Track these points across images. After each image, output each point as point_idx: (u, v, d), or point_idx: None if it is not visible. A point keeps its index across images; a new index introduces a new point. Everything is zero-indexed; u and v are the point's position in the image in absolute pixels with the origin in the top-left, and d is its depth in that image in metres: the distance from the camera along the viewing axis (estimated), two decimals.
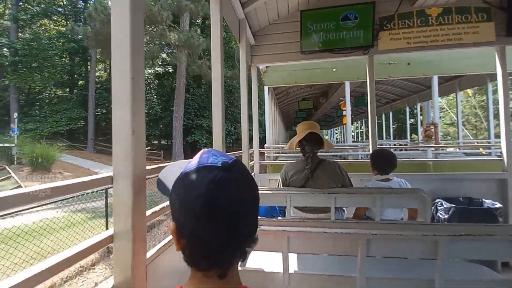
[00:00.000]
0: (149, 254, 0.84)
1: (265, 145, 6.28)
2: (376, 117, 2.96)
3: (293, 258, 1.44)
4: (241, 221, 0.45)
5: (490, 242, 0.98)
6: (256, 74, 3.32)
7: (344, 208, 2.02)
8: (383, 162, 2.00)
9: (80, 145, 20.52)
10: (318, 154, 1.90)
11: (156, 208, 0.95)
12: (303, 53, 2.83)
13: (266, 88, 6.03)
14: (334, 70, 5.15)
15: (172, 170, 0.55)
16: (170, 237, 1.03)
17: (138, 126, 0.70)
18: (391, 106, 11.69)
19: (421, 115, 9.10)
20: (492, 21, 2.52)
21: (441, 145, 5.55)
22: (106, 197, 5.09)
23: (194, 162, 0.48)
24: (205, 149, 0.52)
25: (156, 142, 25.13)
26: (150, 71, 23.14)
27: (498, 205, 2.32)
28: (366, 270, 1.12)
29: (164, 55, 20.32)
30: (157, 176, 0.60)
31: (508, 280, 1.04)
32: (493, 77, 5.90)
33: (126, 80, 0.68)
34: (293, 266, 1.31)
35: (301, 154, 1.91)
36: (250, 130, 2.94)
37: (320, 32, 2.75)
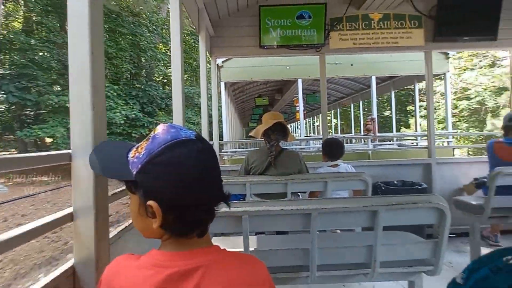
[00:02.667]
0: (111, 234, 0.82)
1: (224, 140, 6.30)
2: (327, 112, 3.22)
3: (252, 241, 1.52)
4: (220, 183, 0.52)
5: (414, 209, 1.19)
6: (216, 67, 3.31)
7: (299, 194, 2.17)
8: (333, 149, 2.21)
9: None
10: None
11: (117, 190, 0.93)
12: (261, 47, 2.92)
13: (222, 84, 6.05)
14: (288, 68, 5.42)
15: (112, 151, 0.54)
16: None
17: (99, 102, 0.69)
18: (338, 104, 12.70)
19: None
20: (422, 27, 2.94)
21: (377, 136, 6.29)
22: None
23: (163, 137, 0.48)
24: (165, 124, 0.52)
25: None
26: None
27: (424, 185, 2.76)
28: (319, 242, 1.25)
29: None
30: None
31: (430, 241, 1.28)
32: (419, 78, 6.87)
33: (84, 55, 0.66)
34: (252, 247, 1.39)
35: (254, 147, 1.99)
36: (210, 126, 2.94)
37: (278, 28, 2.87)
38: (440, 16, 2.84)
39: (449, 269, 2.25)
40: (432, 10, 2.90)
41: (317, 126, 20.24)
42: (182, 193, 0.46)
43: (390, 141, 7.59)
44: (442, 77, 6.15)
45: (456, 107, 13.44)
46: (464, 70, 13.44)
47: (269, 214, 1.21)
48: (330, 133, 13.89)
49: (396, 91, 8.94)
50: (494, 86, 11.82)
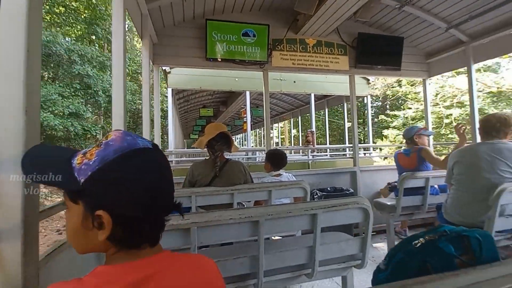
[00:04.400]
0: (42, 254, 0.71)
1: (167, 150, 5.98)
2: (270, 125, 3.42)
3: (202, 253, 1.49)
4: (173, 193, 0.52)
5: (346, 210, 1.37)
6: (159, 75, 3.19)
7: (244, 203, 2.22)
8: (277, 159, 2.35)
9: None
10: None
11: (46, 207, 0.81)
12: (207, 60, 2.96)
13: (169, 90, 5.81)
14: (236, 80, 5.59)
15: (51, 157, 0.50)
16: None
17: (33, 105, 0.61)
18: (279, 118, 13.53)
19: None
20: (347, 55, 3.44)
21: (316, 147, 6.95)
22: None
23: (118, 145, 0.47)
24: (119, 131, 0.50)
25: None
26: None
27: (351, 190, 3.16)
28: (264, 249, 1.31)
29: None
30: None
31: (358, 237, 1.47)
32: (347, 99, 7.92)
33: (19, 52, 0.58)
34: None
35: (201, 158, 1.96)
36: (152, 134, 2.78)
37: (224, 43, 2.96)
38: (359, 48, 3.39)
39: (372, 263, 2.60)
40: (354, 41, 3.44)
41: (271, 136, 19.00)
42: (137, 203, 0.45)
43: (325, 151, 8.43)
44: (365, 99, 7.24)
45: (442, 117, 11.25)
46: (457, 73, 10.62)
47: (218, 224, 1.22)
48: (286, 144, 14.35)
49: (329, 108, 10.05)
50: (490, 92, 9.86)
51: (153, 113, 3.02)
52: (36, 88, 0.64)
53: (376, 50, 3.43)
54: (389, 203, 2.66)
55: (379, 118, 16.44)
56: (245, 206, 2.20)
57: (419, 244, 0.81)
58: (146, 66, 2.44)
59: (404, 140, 2.92)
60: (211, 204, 1.94)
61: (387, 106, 17.53)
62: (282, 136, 20.32)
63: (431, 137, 3.70)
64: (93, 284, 0.42)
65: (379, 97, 16.66)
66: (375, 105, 19.06)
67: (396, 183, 2.81)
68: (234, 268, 1.30)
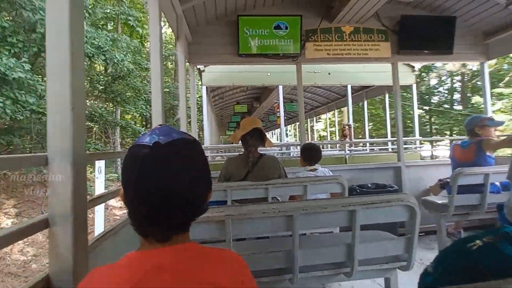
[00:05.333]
0: (91, 240, 0.79)
1: (203, 145, 6.24)
2: (304, 119, 3.33)
3: (233, 247, 1.50)
4: (171, 195, 0.49)
5: (388, 207, 1.27)
6: (194, 73, 3.31)
7: (278, 198, 2.20)
8: (311, 154, 2.28)
9: None
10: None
11: (94, 196, 0.89)
12: (239, 55, 2.98)
13: (204, 88, 6.03)
14: (268, 74, 5.57)
15: None
16: (115, 223, 0.98)
17: (79, 102, 0.67)
18: (314, 112, 13.15)
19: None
20: (388, 41, 3.17)
21: (353, 141, 6.60)
22: None
23: (140, 137, 0.53)
24: (156, 126, 0.54)
25: None
26: None
27: (395, 187, 2.92)
28: (300, 244, 1.28)
29: None
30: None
31: (403, 237, 1.35)
32: (389, 89, 7.35)
33: (64, 54, 0.64)
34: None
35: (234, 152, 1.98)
36: (189, 131, 2.91)
37: (256, 38, 2.95)
38: (403, 32, 3.09)
39: (420, 266, 2.38)
40: (396, 25, 3.15)
41: (315, 129, 16.50)
42: (125, 188, 0.51)
43: (363, 145, 7.99)
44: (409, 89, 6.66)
45: None
46: None
47: (252, 217, 1.22)
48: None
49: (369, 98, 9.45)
50: None
51: (189, 111, 3.15)
52: (81, 87, 0.70)
53: (423, 33, 3.09)
54: (440, 202, 2.40)
55: (473, 102, 13.13)
56: (279, 200, 2.18)
57: (475, 247, 0.70)
58: (182, 65, 2.54)
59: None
60: (246, 198, 1.96)
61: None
62: (338, 128, 18.64)
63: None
64: (119, 265, 0.48)
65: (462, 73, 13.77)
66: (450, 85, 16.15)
67: (448, 180, 2.53)
68: (269, 262, 1.29)
